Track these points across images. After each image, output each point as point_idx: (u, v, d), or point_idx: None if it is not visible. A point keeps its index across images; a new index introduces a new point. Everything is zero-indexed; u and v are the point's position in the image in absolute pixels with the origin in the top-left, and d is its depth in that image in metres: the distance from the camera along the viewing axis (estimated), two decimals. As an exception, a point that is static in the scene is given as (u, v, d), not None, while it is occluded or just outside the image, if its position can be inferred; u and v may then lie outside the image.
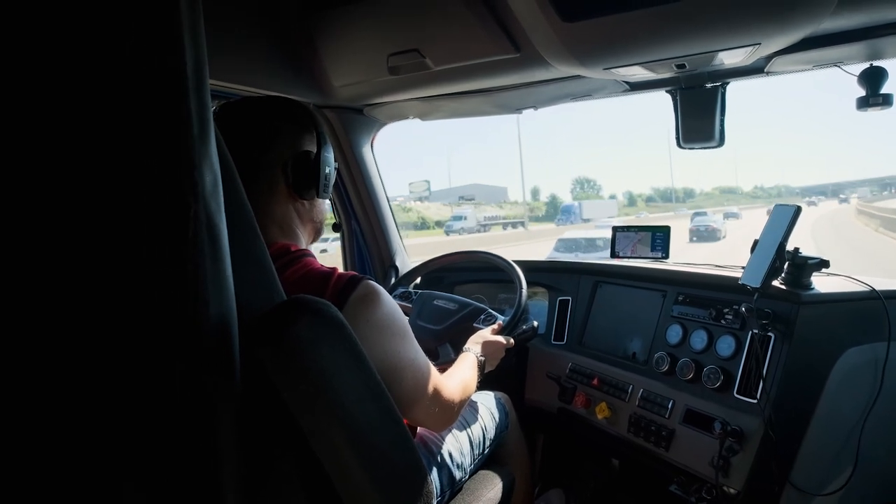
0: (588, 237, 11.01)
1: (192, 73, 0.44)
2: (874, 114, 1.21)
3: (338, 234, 1.87)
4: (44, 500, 0.44)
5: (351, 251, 1.88)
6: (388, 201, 1.88)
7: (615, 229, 1.61)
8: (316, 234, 0.96)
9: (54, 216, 0.42)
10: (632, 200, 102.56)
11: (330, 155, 0.90)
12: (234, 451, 0.50)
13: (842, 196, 79.53)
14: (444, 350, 1.29)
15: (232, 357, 0.51)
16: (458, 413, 0.93)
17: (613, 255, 1.60)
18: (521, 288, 1.36)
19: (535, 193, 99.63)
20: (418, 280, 1.74)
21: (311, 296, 0.61)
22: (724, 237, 19.95)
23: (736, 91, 1.33)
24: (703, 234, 19.83)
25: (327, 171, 0.89)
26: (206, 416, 0.48)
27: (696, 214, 26.75)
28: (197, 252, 0.45)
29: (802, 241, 1.12)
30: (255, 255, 0.63)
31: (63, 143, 0.41)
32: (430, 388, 0.84)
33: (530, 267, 1.54)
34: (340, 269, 0.81)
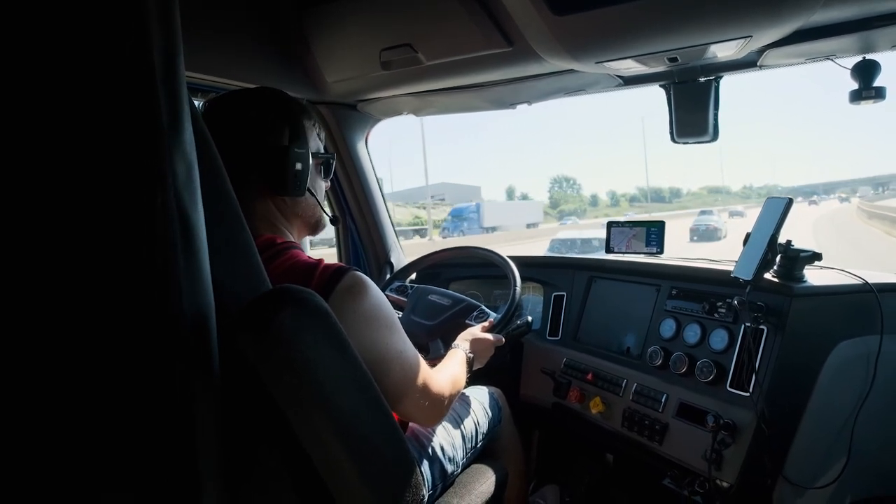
0: (584, 237, 10.95)
1: (160, 62, 0.43)
2: (865, 110, 1.20)
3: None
4: (20, 489, 0.44)
5: (346, 247, 1.88)
6: (384, 198, 1.88)
7: (610, 224, 1.62)
8: (310, 230, 0.95)
9: (17, 210, 0.41)
10: (615, 200, 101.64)
11: (303, 150, 0.86)
12: (213, 443, 0.50)
13: (842, 195, 79.69)
14: (434, 346, 1.29)
15: (209, 348, 0.51)
16: (448, 407, 0.92)
17: (608, 250, 1.60)
18: (515, 284, 1.36)
19: (509, 193, 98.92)
20: (414, 275, 1.74)
21: (296, 285, 0.60)
22: (724, 237, 19.92)
23: (722, 87, 1.33)
24: (703, 234, 19.87)
25: (298, 167, 0.84)
26: (183, 406, 0.47)
27: (702, 213, 26.82)
28: (167, 243, 0.44)
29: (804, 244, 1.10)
30: (240, 247, 0.63)
31: (22, 137, 0.41)
32: (419, 381, 0.83)
33: (525, 262, 1.54)
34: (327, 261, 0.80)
